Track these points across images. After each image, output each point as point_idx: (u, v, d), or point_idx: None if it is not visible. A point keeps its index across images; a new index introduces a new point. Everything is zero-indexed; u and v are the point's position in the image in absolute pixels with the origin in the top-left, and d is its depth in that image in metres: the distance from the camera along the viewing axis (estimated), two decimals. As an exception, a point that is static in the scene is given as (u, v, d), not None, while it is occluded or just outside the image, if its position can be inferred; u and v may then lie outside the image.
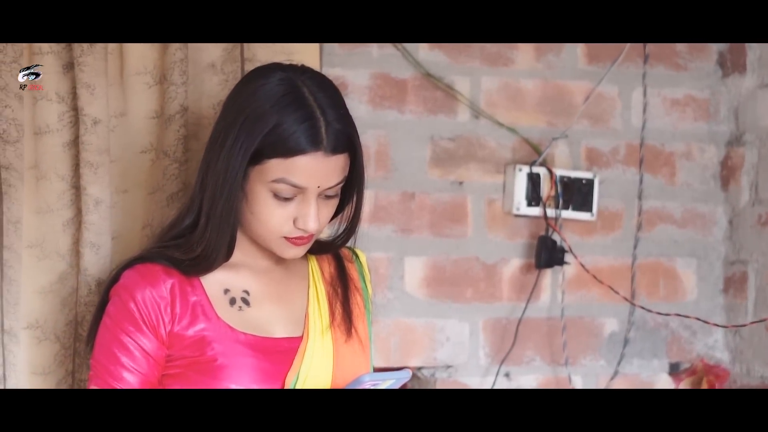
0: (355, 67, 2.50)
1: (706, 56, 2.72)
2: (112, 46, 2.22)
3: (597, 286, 2.63)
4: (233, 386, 1.91)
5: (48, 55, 2.18)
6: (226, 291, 1.99)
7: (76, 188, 2.21)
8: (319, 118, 1.90)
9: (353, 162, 1.96)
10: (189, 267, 1.96)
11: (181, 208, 2.05)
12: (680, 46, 2.70)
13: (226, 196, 1.91)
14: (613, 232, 2.68)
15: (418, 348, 2.56)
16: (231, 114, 1.93)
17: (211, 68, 2.30)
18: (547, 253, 2.57)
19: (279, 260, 2.04)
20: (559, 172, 2.60)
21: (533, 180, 2.58)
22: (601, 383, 2.66)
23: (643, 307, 2.62)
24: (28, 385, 2.20)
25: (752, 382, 2.64)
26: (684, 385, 2.70)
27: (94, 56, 2.18)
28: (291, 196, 1.92)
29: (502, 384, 2.59)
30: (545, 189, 2.59)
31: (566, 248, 2.59)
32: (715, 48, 2.73)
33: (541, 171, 2.59)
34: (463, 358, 2.58)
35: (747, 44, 2.67)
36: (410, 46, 2.53)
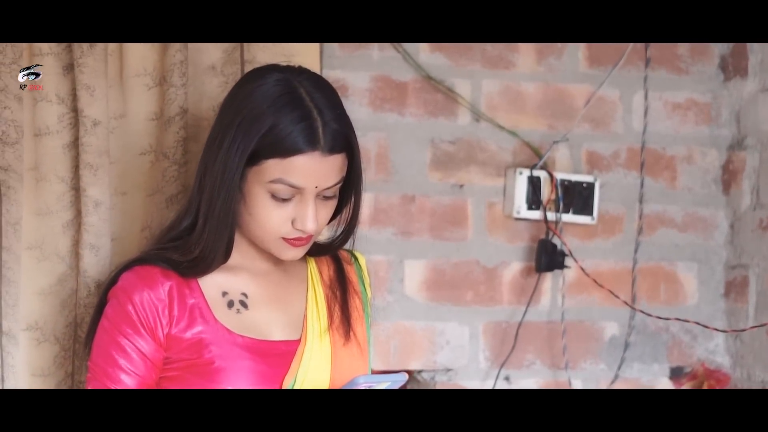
0: (356, 70, 2.50)
1: (707, 60, 2.72)
2: (112, 48, 2.22)
3: (597, 290, 2.62)
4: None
5: (48, 56, 2.18)
6: (225, 294, 1.99)
7: (76, 190, 2.21)
8: (316, 118, 1.90)
9: (351, 163, 1.96)
10: (187, 269, 1.96)
11: (179, 210, 2.05)
12: (682, 50, 2.70)
13: (223, 197, 1.91)
14: (614, 235, 2.67)
15: (418, 351, 2.56)
16: (228, 115, 1.93)
17: (211, 70, 2.30)
18: (548, 257, 2.57)
19: (278, 263, 2.04)
20: (559, 175, 2.60)
21: (534, 183, 2.58)
22: (601, 387, 2.65)
23: (642, 311, 2.61)
24: (28, 386, 2.20)
25: (753, 386, 2.64)
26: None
27: (94, 58, 2.18)
28: (289, 197, 1.92)
29: (502, 387, 2.59)
30: (546, 192, 2.59)
31: (567, 252, 2.59)
32: (716, 51, 2.72)
33: (542, 174, 2.59)
34: (463, 361, 2.58)
35: (749, 48, 2.67)
36: (411, 49, 2.52)
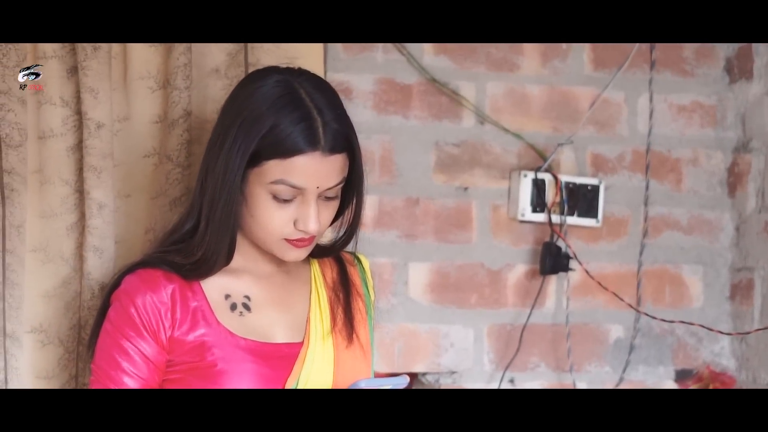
0: (360, 72, 2.50)
1: (713, 62, 2.72)
2: (115, 51, 2.22)
3: (602, 293, 2.62)
4: (233, 391, 1.92)
5: (52, 59, 2.19)
6: (227, 296, 1.99)
7: (80, 192, 2.21)
8: (316, 118, 1.89)
9: (352, 163, 1.96)
10: (189, 271, 1.96)
11: (182, 213, 2.05)
12: (687, 52, 2.69)
13: (225, 199, 1.91)
14: (619, 238, 2.67)
15: (422, 354, 2.55)
16: (229, 117, 1.93)
17: (215, 73, 2.30)
18: (552, 260, 2.57)
19: (280, 265, 2.04)
20: (564, 178, 2.60)
21: (538, 186, 2.58)
22: (606, 390, 2.65)
23: (647, 314, 2.61)
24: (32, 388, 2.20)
25: (758, 389, 2.63)
26: (690, 392, 2.70)
27: (98, 60, 2.18)
28: (290, 198, 1.92)
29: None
30: (550, 195, 2.59)
31: (571, 254, 2.58)
32: (722, 54, 2.72)
33: (547, 177, 2.59)
34: (468, 364, 2.58)
35: (754, 50, 2.66)
36: (415, 51, 2.52)
